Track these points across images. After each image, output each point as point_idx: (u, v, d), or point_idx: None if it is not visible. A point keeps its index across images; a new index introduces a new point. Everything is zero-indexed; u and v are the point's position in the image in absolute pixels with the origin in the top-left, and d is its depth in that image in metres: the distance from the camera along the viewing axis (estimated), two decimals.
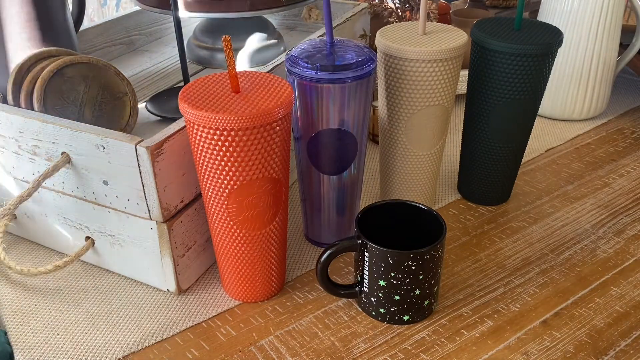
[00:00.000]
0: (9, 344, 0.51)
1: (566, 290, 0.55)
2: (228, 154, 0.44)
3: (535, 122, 0.71)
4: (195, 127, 0.44)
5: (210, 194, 0.48)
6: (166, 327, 0.52)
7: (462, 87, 0.84)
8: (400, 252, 0.47)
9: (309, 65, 0.50)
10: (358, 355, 0.49)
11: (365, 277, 0.50)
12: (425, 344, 0.49)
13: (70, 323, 0.52)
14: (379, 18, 0.87)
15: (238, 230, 0.49)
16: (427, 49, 0.54)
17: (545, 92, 0.79)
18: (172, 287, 0.54)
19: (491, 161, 0.63)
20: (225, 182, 0.46)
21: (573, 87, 0.82)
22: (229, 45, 0.44)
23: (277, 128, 0.45)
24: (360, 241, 0.49)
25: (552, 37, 0.57)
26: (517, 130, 0.61)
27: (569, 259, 0.59)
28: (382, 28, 0.59)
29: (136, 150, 0.47)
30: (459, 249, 0.60)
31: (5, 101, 0.60)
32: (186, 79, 0.69)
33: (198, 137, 0.45)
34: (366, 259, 0.49)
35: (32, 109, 0.57)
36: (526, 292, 0.55)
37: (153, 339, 0.50)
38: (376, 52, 0.55)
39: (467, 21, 0.94)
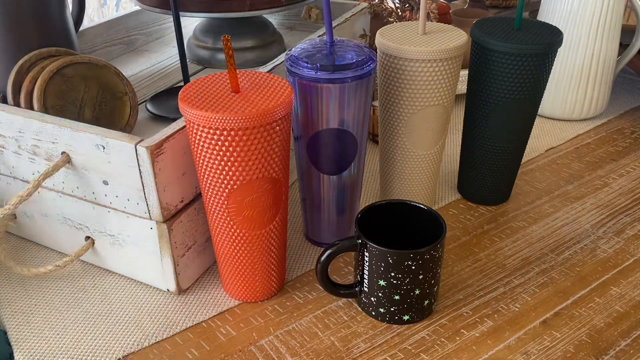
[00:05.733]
0: (9, 344, 0.51)
1: (566, 290, 0.55)
2: (228, 154, 0.44)
3: (535, 122, 0.71)
4: (195, 127, 0.44)
5: (210, 193, 0.48)
6: (166, 327, 0.52)
7: (462, 87, 0.84)
8: (400, 252, 0.47)
9: (309, 65, 0.50)
10: (358, 355, 0.49)
11: (365, 277, 0.50)
12: (425, 344, 0.49)
13: (70, 323, 0.52)
14: (379, 18, 0.87)
15: (238, 230, 0.49)
16: (427, 49, 0.54)
17: (545, 92, 0.79)
18: (172, 287, 0.54)
19: (491, 161, 0.63)
20: (225, 182, 0.46)
21: (573, 87, 0.82)
22: (229, 45, 0.44)
23: (277, 128, 0.45)
24: (360, 241, 0.49)
25: (552, 37, 0.57)
26: (517, 130, 0.61)
27: (569, 259, 0.59)
28: (382, 28, 0.59)
29: (136, 150, 0.47)
30: (459, 249, 0.60)
31: (5, 101, 0.60)
32: (186, 79, 0.69)
33: (198, 137, 0.45)
34: (366, 258, 0.49)
35: (32, 109, 0.57)
36: (526, 292, 0.55)
37: (153, 339, 0.50)
38: (376, 52, 0.55)
39: (467, 21, 0.94)
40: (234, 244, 0.50)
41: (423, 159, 0.61)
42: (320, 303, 0.54)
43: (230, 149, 0.44)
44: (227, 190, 0.46)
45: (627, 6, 0.86)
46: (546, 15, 0.82)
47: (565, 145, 0.79)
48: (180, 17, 0.69)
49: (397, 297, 0.50)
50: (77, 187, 0.53)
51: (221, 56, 0.85)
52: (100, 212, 0.54)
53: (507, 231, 0.63)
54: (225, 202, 0.47)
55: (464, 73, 0.82)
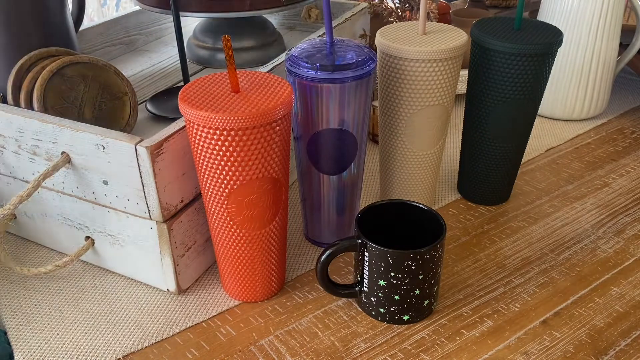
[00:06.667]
0: (9, 344, 0.51)
1: (566, 290, 0.55)
2: (228, 153, 0.44)
3: (535, 122, 0.71)
4: (195, 127, 0.44)
5: (210, 193, 0.48)
6: (166, 327, 0.52)
7: (462, 87, 0.84)
8: (400, 252, 0.47)
9: (309, 65, 0.50)
10: (358, 355, 0.49)
11: (365, 277, 0.50)
12: (425, 344, 0.49)
13: (70, 323, 0.52)
14: (379, 18, 0.87)
15: (238, 230, 0.49)
16: (427, 49, 0.54)
17: (545, 92, 0.79)
18: (172, 287, 0.54)
19: (491, 161, 0.63)
20: (225, 182, 0.46)
21: (573, 87, 0.82)
22: (229, 45, 0.44)
23: (277, 128, 0.45)
24: (360, 241, 0.49)
25: (552, 37, 0.57)
26: (517, 130, 0.61)
27: (569, 259, 0.59)
28: (382, 28, 0.59)
29: (136, 150, 0.47)
30: (459, 248, 0.60)
31: (5, 101, 0.60)
32: (186, 79, 0.69)
33: (198, 137, 0.45)
34: (366, 258, 0.49)
35: (32, 109, 0.57)
36: (526, 292, 0.55)
37: (153, 339, 0.50)
38: (376, 52, 0.55)
39: (467, 21, 0.94)
40: (234, 244, 0.50)
41: (423, 159, 0.61)
42: (320, 303, 0.54)
43: (230, 149, 0.44)
44: (227, 190, 0.46)
45: (627, 6, 0.86)
46: (546, 15, 0.82)
47: (565, 145, 0.79)
48: (180, 17, 0.69)
49: (397, 297, 0.50)
50: (77, 187, 0.53)
51: (221, 56, 0.85)
52: (100, 212, 0.54)
53: (507, 231, 0.63)
54: (225, 202, 0.47)
55: (464, 73, 0.82)
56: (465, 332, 0.51)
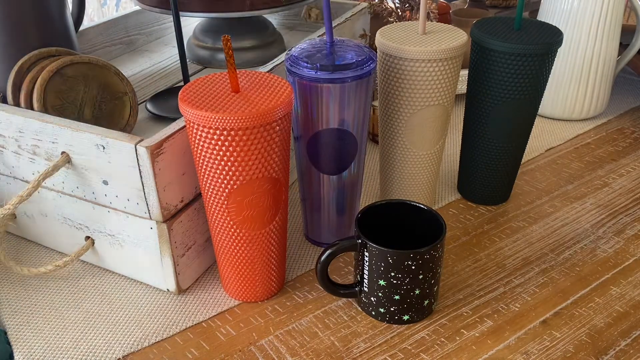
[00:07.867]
0: (9, 343, 0.51)
1: (566, 290, 0.55)
2: (228, 153, 0.44)
3: (535, 122, 0.71)
4: (195, 126, 0.44)
5: (210, 193, 0.48)
6: (166, 327, 0.52)
7: (462, 87, 0.84)
8: (400, 252, 0.47)
9: (309, 65, 0.50)
10: (358, 355, 0.49)
11: (365, 276, 0.50)
12: (425, 344, 0.49)
13: (70, 323, 0.52)
14: (379, 18, 0.87)
15: (238, 230, 0.49)
16: (427, 49, 0.54)
17: (545, 92, 0.79)
18: (172, 287, 0.54)
19: (491, 161, 0.63)
20: (225, 182, 0.46)
21: (573, 87, 0.82)
22: (229, 45, 0.44)
23: (277, 128, 0.45)
24: (360, 241, 0.49)
25: (552, 37, 0.57)
26: (517, 130, 0.61)
27: (569, 259, 0.59)
28: (382, 28, 0.59)
29: (136, 150, 0.47)
30: (459, 248, 0.60)
31: (5, 101, 0.60)
32: (186, 79, 0.69)
33: (198, 137, 0.45)
34: (366, 258, 0.49)
35: (32, 109, 0.57)
36: (526, 292, 0.55)
37: (153, 339, 0.50)
38: (376, 52, 0.55)
39: (467, 21, 0.94)
40: (234, 244, 0.50)
41: (423, 159, 0.61)
42: (320, 303, 0.54)
43: (230, 149, 0.44)
44: (227, 190, 0.46)
45: (627, 6, 0.86)
46: (546, 15, 0.82)
47: (565, 145, 0.79)
48: (180, 17, 0.69)
49: (397, 297, 0.50)
50: (77, 187, 0.53)
51: (221, 56, 0.85)
52: (100, 212, 0.54)
53: (507, 231, 0.63)
54: (225, 202, 0.47)
55: (464, 73, 0.82)
56: (465, 332, 0.51)
